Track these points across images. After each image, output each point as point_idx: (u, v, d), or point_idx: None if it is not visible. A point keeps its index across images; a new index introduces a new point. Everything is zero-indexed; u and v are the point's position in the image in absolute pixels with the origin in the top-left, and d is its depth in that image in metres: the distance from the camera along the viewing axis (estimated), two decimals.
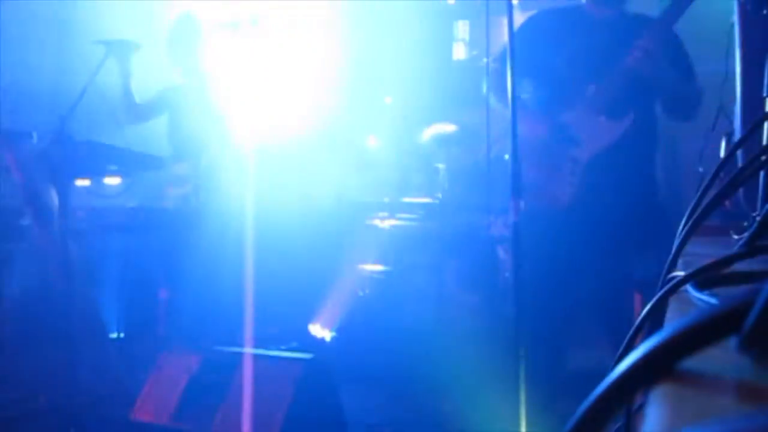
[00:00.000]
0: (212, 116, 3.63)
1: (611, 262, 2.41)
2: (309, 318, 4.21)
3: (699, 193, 0.75)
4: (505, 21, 2.08)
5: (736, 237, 0.93)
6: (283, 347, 4.08)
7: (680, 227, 0.71)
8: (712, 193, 0.71)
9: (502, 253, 4.42)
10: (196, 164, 3.56)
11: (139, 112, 3.77)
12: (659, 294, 0.52)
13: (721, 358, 0.35)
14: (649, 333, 0.53)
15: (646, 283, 2.31)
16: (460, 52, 5.90)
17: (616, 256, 2.39)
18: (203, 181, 3.07)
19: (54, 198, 2.92)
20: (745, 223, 0.96)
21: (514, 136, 2.01)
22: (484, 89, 2.60)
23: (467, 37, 5.90)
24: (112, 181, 3.42)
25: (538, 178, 2.38)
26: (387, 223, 4.26)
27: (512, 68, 2.05)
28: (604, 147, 2.28)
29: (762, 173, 0.85)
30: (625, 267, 2.41)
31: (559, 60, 2.36)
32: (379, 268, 4.21)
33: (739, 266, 0.56)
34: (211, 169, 3.56)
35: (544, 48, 2.36)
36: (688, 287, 0.53)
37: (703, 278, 0.54)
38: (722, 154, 1.55)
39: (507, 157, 2.48)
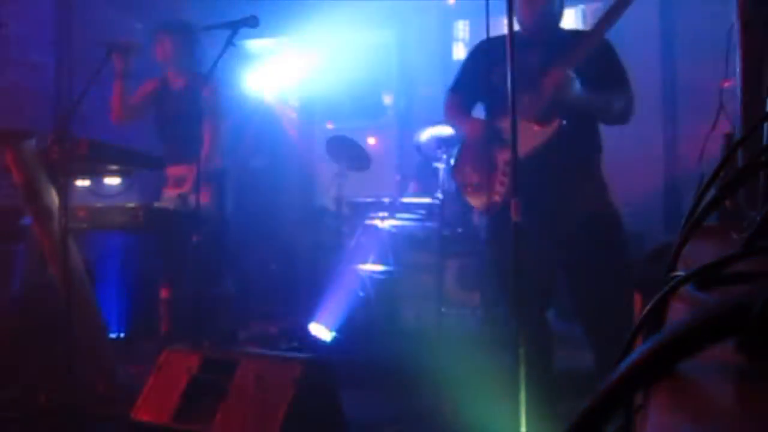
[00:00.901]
0: (207, 118, 3.60)
1: (548, 254, 2.54)
2: (309, 318, 4.21)
3: (699, 193, 0.75)
4: (504, 21, 2.08)
5: (736, 237, 0.93)
6: (283, 347, 4.08)
7: (680, 227, 0.71)
8: (712, 193, 0.71)
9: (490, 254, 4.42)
10: (192, 166, 3.55)
11: (132, 112, 3.76)
12: (659, 294, 0.52)
13: (721, 358, 0.35)
14: (649, 333, 0.53)
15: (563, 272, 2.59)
16: (460, 52, 5.90)
17: (552, 249, 2.54)
18: (202, 182, 3.05)
19: (54, 198, 2.92)
20: (745, 223, 0.96)
21: (514, 139, 2.02)
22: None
23: (467, 37, 5.90)
24: (112, 181, 3.42)
25: (477, 179, 2.63)
26: (387, 223, 4.26)
27: (512, 69, 2.06)
28: (533, 148, 2.47)
29: (762, 173, 0.85)
30: (561, 260, 2.57)
31: (497, 77, 2.51)
32: (379, 268, 4.21)
33: (739, 266, 0.56)
34: (208, 171, 3.55)
35: (486, 69, 2.57)
36: (688, 287, 0.53)
37: (703, 278, 0.54)
38: (722, 154, 1.55)
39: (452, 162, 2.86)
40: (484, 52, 2.68)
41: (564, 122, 2.47)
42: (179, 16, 3.94)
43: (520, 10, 2.60)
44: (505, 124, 2.47)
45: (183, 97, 3.74)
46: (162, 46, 3.72)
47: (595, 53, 2.46)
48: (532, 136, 2.50)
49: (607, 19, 2.44)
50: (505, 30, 2.12)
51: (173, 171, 3.70)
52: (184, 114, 3.67)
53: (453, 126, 2.88)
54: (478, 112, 2.83)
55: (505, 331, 3.69)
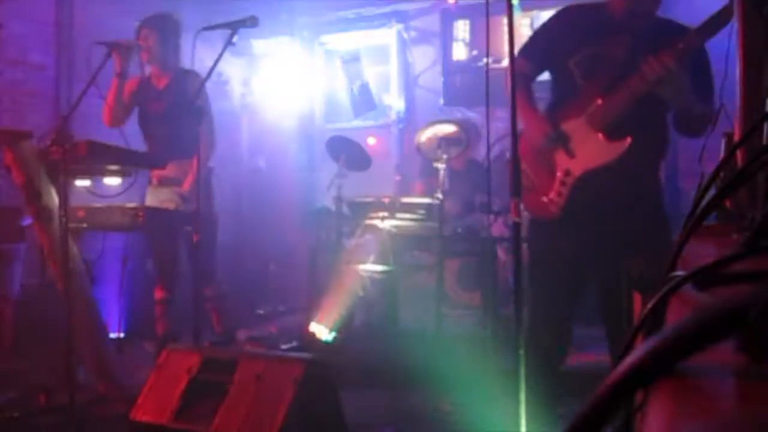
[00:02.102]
0: (196, 116, 3.56)
1: (603, 273, 2.38)
2: (309, 318, 4.21)
3: (699, 193, 0.75)
4: (505, 21, 2.07)
5: (736, 237, 0.93)
6: (283, 347, 4.08)
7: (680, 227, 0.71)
8: (712, 193, 0.71)
9: (502, 253, 4.43)
10: (185, 165, 3.54)
11: (124, 112, 3.73)
12: (659, 294, 0.52)
13: (721, 358, 0.35)
14: (649, 333, 0.53)
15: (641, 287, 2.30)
16: (460, 52, 5.91)
17: (608, 269, 2.35)
18: (199, 183, 3.04)
19: (54, 198, 2.92)
20: (745, 223, 0.96)
21: (514, 135, 2.00)
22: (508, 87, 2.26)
23: (467, 37, 5.90)
24: (112, 181, 3.42)
25: (533, 181, 2.36)
26: (387, 223, 4.26)
27: (512, 69, 2.04)
28: (597, 165, 2.23)
29: (762, 173, 0.85)
30: (617, 280, 2.34)
31: (575, 64, 2.27)
32: (379, 268, 4.21)
33: (739, 266, 0.56)
34: (203, 171, 3.53)
35: (566, 45, 2.27)
36: (688, 287, 0.52)
37: (703, 278, 0.54)
38: (722, 154, 1.55)
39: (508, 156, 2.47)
40: (572, 23, 2.33)
41: (634, 140, 2.17)
42: (178, 15, 3.93)
43: None
44: (572, 129, 2.27)
45: (167, 94, 3.71)
46: (145, 42, 3.67)
47: (693, 55, 2.13)
48: (596, 151, 2.23)
49: (715, 23, 2.06)
50: (507, 29, 2.01)
51: (157, 170, 3.66)
52: (168, 112, 3.64)
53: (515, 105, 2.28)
54: (540, 87, 2.46)
55: (507, 331, 3.69)
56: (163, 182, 3.69)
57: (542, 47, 2.38)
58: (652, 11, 2.24)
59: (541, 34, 2.45)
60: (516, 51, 1.99)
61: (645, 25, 2.23)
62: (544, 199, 2.32)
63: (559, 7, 2.45)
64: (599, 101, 2.22)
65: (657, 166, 2.39)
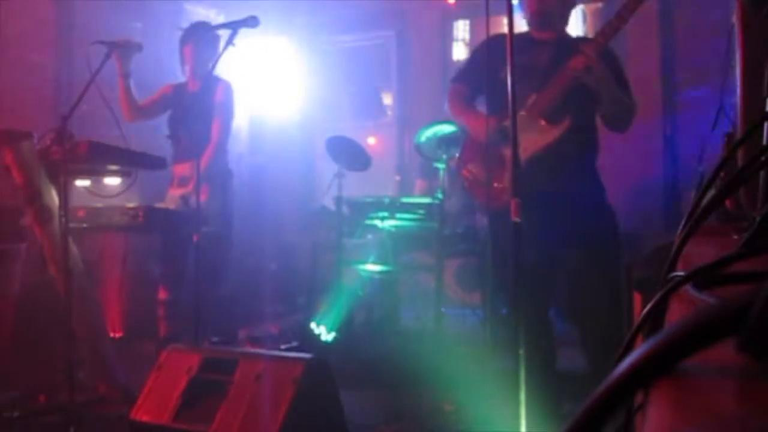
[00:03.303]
0: (216, 117, 3.65)
1: (549, 254, 2.55)
2: (309, 318, 4.21)
3: (699, 193, 0.75)
4: (504, 21, 2.08)
5: (736, 237, 0.93)
6: (283, 347, 4.08)
7: (680, 227, 0.71)
8: (712, 193, 0.71)
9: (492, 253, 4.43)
10: (198, 165, 3.56)
11: (142, 111, 3.78)
12: (659, 294, 0.52)
13: (721, 358, 0.35)
14: (649, 333, 0.53)
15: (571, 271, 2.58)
16: (460, 52, 5.91)
17: (553, 249, 2.55)
18: (204, 182, 3.06)
19: (54, 198, 2.92)
20: (745, 223, 0.96)
21: (514, 137, 2.02)
22: (445, 107, 2.88)
23: (467, 37, 5.90)
24: (112, 181, 3.42)
25: (487, 175, 2.60)
26: (387, 223, 4.26)
27: (512, 68, 2.05)
28: (540, 148, 2.48)
29: (762, 173, 0.85)
30: (564, 259, 2.59)
31: (505, 74, 2.50)
32: (379, 268, 4.21)
33: (739, 266, 0.56)
34: (211, 170, 3.56)
35: (495, 64, 2.53)
36: (688, 287, 0.52)
37: (703, 278, 0.54)
38: (722, 154, 1.55)
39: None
40: (494, 47, 2.64)
41: (572, 121, 2.48)
42: (179, 17, 3.94)
43: (524, 4, 2.64)
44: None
45: (198, 98, 3.76)
46: (187, 54, 3.79)
47: (603, 57, 2.45)
48: (539, 136, 2.51)
49: (610, 28, 2.45)
50: (507, 29, 2.11)
51: (179, 169, 3.74)
52: (197, 114, 3.70)
53: (457, 118, 2.84)
54: (480, 106, 2.82)
55: (506, 331, 3.70)
56: (181, 183, 3.73)
57: (474, 70, 2.78)
58: (562, 32, 2.68)
59: (471, 60, 2.90)
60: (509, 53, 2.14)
61: (559, 41, 2.63)
62: (497, 185, 2.56)
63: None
64: (533, 96, 2.52)
65: (592, 157, 2.66)
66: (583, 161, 2.60)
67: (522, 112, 2.50)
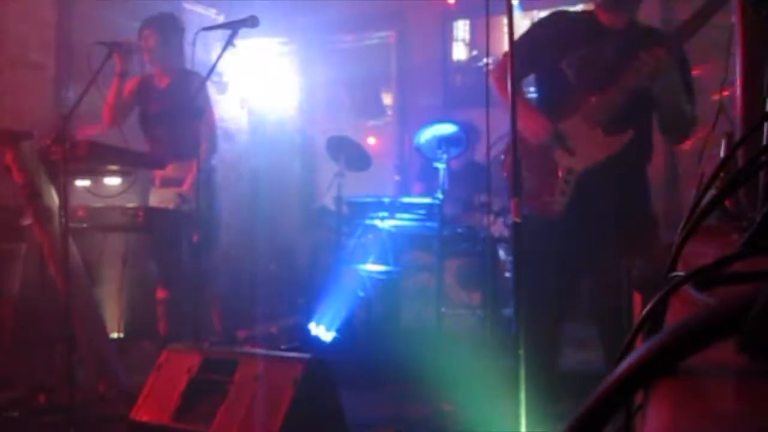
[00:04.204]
0: (196, 116, 3.54)
1: (601, 269, 2.41)
2: (309, 318, 4.21)
3: (699, 193, 0.75)
4: (505, 21, 2.08)
5: (736, 237, 0.93)
6: (283, 347, 4.08)
7: (680, 227, 0.71)
8: (712, 193, 0.71)
9: (503, 253, 4.43)
10: (186, 165, 3.53)
11: (122, 114, 3.72)
12: (659, 294, 0.52)
13: (721, 358, 0.35)
14: (649, 333, 0.53)
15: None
16: (460, 52, 5.91)
17: (606, 265, 2.38)
18: (199, 183, 3.04)
19: (54, 198, 2.92)
20: (745, 223, 0.96)
21: (514, 135, 2.00)
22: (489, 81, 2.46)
23: (467, 37, 5.90)
24: (112, 181, 3.42)
25: (534, 181, 2.38)
26: (387, 223, 4.26)
27: (512, 69, 2.04)
28: (598, 161, 2.28)
29: (762, 173, 0.85)
30: (614, 276, 2.37)
31: (567, 65, 2.34)
32: (379, 268, 4.20)
33: (739, 266, 0.56)
34: (204, 171, 3.53)
35: (556, 48, 2.34)
36: (689, 287, 0.52)
37: (703, 278, 0.54)
38: (722, 154, 1.55)
39: (502, 158, 2.50)
40: (561, 29, 2.41)
41: (635, 133, 2.25)
42: (179, 17, 3.93)
43: None
44: (569, 127, 2.31)
45: (168, 94, 3.70)
46: (146, 42, 3.67)
47: (673, 60, 2.21)
48: (596, 146, 2.28)
49: (690, 27, 2.17)
50: (507, 29, 2.03)
51: (158, 171, 3.66)
52: (169, 112, 3.64)
53: (503, 98, 2.40)
54: (526, 88, 2.55)
55: (506, 331, 3.69)
56: (164, 183, 3.69)
57: (529, 50, 2.40)
58: (634, 17, 2.36)
59: (527, 39, 2.49)
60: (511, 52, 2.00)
61: (630, 30, 2.33)
62: (547, 198, 2.34)
63: (559, 7, 2.49)
64: (593, 99, 2.27)
65: (647, 167, 2.45)
66: (641, 174, 2.41)
67: (576, 116, 2.30)
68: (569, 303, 2.48)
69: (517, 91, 2.31)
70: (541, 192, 2.37)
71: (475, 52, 5.83)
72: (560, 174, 2.33)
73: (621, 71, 2.22)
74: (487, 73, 2.52)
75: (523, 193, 2.36)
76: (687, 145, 2.75)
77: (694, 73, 2.47)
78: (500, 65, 2.49)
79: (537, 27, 2.53)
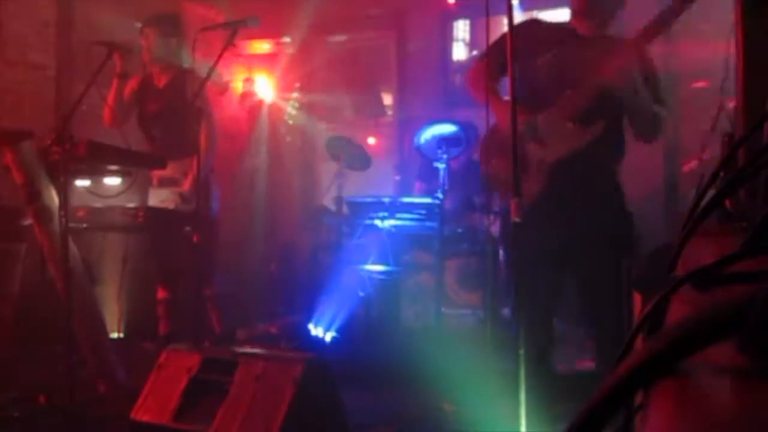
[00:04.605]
0: (196, 116, 3.52)
1: (566, 257, 2.49)
2: (309, 318, 4.21)
3: (699, 193, 0.75)
4: (505, 21, 2.08)
5: (736, 237, 0.93)
6: (283, 347, 4.08)
7: (680, 227, 0.71)
8: (712, 193, 0.71)
9: (503, 253, 4.43)
10: (185, 165, 3.53)
11: (123, 114, 3.71)
12: (659, 294, 0.52)
13: (721, 358, 0.35)
14: (649, 333, 0.53)
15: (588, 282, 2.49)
16: (460, 52, 5.91)
17: (576, 254, 2.47)
18: (198, 183, 3.03)
19: (54, 198, 2.92)
20: (745, 223, 0.96)
21: (514, 135, 2.01)
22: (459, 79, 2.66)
23: (467, 37, 5.90)
24: (112, 181, 3.42)
25: (509, 172, 2.46)
26: (387, 223, 4.26)
27: (512, 69, 2.05)
28: (569, 151, 2.38)
29: (762, 173, 0.85)
30: (586, 266, 2.48)
31: (542, 62, 2.44)
32: (379, 268, 4.20)
33: (739, 266, 0.56)
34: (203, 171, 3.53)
35: (529, 52, 2.44)
36: (689, 287, 0.52)
37: (703, 278, 0.53)
38: (722, 154, 1.55)
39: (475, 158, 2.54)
40: (535, 33, 2.52)
41: (605, 126, 2.36)
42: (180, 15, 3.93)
43: None
44: (543, 120, 2.40)
45: (166, 93, 3.70)
46: (147, 40, 3.67)
47: (638, 64, 2.34)
48: (568, 137, 2.40)
49: (658, 26, 2.30)
50: (507, 29, 2.05)
51: (157, 171, 3.65)
52: (167, 111, 3.63)
53: (478, 100, 2.57)
54: (502, 90, 2.62)
55: (507, 330, 3.69)
56: (163, 183, 3.69)
57: (505, 53, 2.44)
58: (605, 30, 2.52)
59: (503, 41, 2.56)
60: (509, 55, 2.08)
61: (601, 39, 2.48)
62: (522, 188, 2.42)
63: (559, 8, 2.54)
64: (568, 92, 2.39)
65: (618, 168, 2.56)
66: (610, 168, 2.51)
67: (552, 109, 2.41)
68: (557, 298, 2.55)
69: (493, 92, 2.53)
70: (515, 182, 2.46)
71: (475, 52, 5.83)
72: (533, 164, 2.42)
73: (592, 72, 2.35)
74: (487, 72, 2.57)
75: (499, 184, 2.54)
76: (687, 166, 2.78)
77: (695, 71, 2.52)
78: (473, 69, 2.67)
79: (515, 30, 2.63)
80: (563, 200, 2.37)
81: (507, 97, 2.67)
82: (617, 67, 2.29)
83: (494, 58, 2.56)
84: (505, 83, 2.55)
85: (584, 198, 2.42)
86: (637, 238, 2.52)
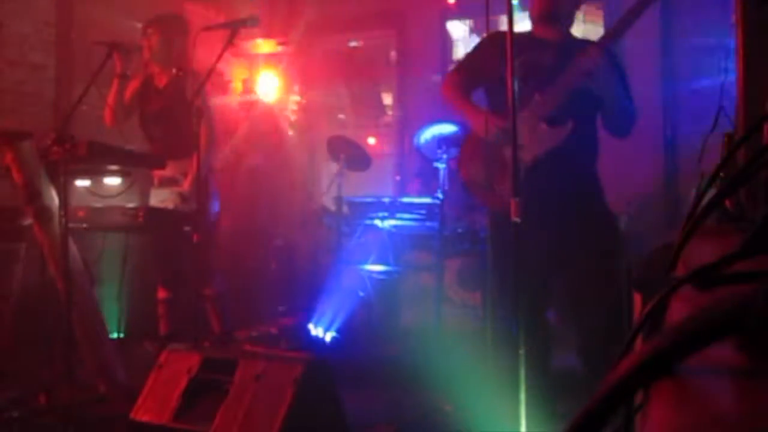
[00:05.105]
0: (196, 116, 3.51)
1: (549, 255, 2.52)
2: (309, 318, 4.21)
3: (699, 193, 0.75)
4: (505, 21, 2.09)
5: (736, 237, 0.93)
6: (283, 347, 4.08)
7: (680, 227, 0.71)
8: (712, 193, 0.71)
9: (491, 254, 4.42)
10: (185, 165, 3.53)
11: (125, 113, 3.71)
12: (659, 294, 0.52)
13: (721, 358, 0.35)
14: (649, 333, 0.53)
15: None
16: (460, 52, 5.91)
17: (554, 251, 2.52)
18: (198, 183, 3.03)
19: (54, 198, 2.92)
20: (745, 223, 0.96)
21: (514, 134, 2.02)
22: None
23: (467, 37, 5.90)
24: (112, 181, 3.42)
25: (488, 176, 2.55)
26: (387, 223, 4.26)
27: (512, 69, 2.05)
28: (544, 151, 2.45)
29: (762, 173, 0.85)
30: (564, 262, 2.54)
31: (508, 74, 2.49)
32: (379, 268, 4.20)
33: (739, 266, 0.56)
34: (203, 171, 3.53)
35: (499, 60, 2.47)
36: (689, 287, 0.52)
37: (703, 278, 0.53)
38: (722, 154, 1.55)
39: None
40: (499, 44, 2.57)
41: (575, 124, 2.46)
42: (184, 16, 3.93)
43: (531, 1, 2.61)
44: (516, 124, 2.47)
45: (167, 93, 3.70)
46: (149, 40, 3.67)
47: (604, 62, 2.43)
48: (542, 138, 2.48)
49: (615, 32, 2.44)
50: (513, 28, 2.09)
51: (157, 171, 3.65)
52: (167, 111, 3.63)
53: (453, 109, 2.74)
54: (477, 101, 2.76)
55: (504, 331, 3.69)
56: (162, 183, 3.69)
57: (475, 66, 2.71)
58: (567, 31, 2.64)
59: (472, 56, 2.81)
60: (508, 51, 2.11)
61: (564, 40, 2.59)
62: (497, 188, 2.52)
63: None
64: (537, 96, 2.47)
65: (594, 161, 2.64)
66: (584, 164, 2.59)
67: (524, 112, 2.47)
68: (548, 289, 2.59)
69: (464, 97, 2.66)
70: (496, 185, 2.53)
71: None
72: (509, 167, 2.46)
73: (559, 73, 2.44)
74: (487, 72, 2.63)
75: (478, 188, 2.62)
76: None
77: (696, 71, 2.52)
78: (447, 81, 2.77)
79: (479, 45, 2.81)
80: (543, 198, 2.39)
81: (483, 106, 2.81)
82: (581, 66, 2.40)
83: (467, 69, 2.75)
84: (477, 95, 2.76)
85: (564, 195, 2.48)
86: (638, 237, 2.56)
